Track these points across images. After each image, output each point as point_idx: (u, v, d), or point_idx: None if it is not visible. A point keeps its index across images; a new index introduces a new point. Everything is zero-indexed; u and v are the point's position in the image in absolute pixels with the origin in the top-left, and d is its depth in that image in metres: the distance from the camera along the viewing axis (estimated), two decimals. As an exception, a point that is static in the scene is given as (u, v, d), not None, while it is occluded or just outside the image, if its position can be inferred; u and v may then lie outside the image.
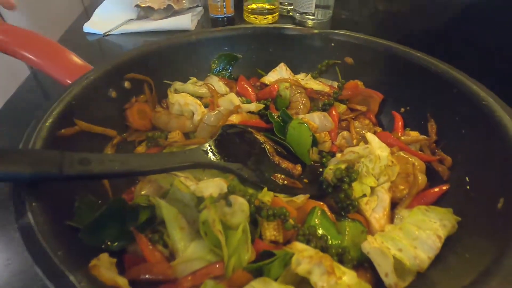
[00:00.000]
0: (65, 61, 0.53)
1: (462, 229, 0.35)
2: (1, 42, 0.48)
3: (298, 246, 0.33)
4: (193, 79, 0.65)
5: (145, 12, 1.06)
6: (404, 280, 0.32)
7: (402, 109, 0.56)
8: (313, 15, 1.02)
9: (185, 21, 1.01)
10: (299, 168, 0.47)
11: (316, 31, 0.64)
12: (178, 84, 0.63)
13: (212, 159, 0.43)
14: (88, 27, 1.00)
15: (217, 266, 0.32)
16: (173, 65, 0.63)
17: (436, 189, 0.42)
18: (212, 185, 0.36)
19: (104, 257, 0.30)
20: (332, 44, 0.63)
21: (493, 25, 0.65)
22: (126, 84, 0.55)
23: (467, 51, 0.72)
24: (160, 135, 0.54)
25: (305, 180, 0.47)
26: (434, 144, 0.48)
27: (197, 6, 1.13)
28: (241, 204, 0.34)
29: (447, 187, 0.42)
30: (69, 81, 0.49)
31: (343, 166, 0.43)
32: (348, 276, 0.30)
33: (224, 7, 1.01)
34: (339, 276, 0.29)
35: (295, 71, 0.66)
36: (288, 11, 1.13)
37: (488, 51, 0.68)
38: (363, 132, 0.53)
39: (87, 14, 1.15)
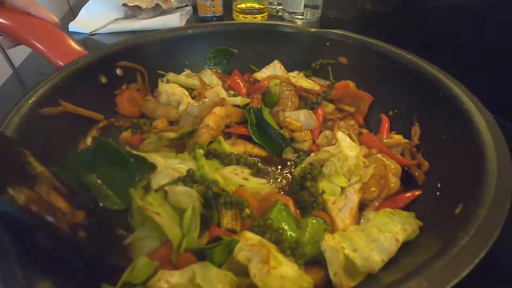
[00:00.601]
0: (62, 44, 0.57)
1: (423, 233, 0.35)
2: (7, 27, 0.53)
3: (247, 235, 0.34)
4: (187, 71, 0.68)
5: (133, 11, 1.06)
6: (354, 279, 0.33)
7: (391, 112, 0.57)
8: (302, 15, 1.04)
9: (174, 21, 1.01)
10: None
11: (312, 29, 0.64)
12: (171, 75, 0.65)
13: None
14: (73, 26, 1.00)
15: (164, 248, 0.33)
16: (169, 56, 0.65)
17: (408, 194, 0.42)
18: (163, 175, 0.38)
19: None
20: (328, 43, 0.63)
21: (485, 25, 0.66)
22: (118, 72, 0.58)
23: (455, 49, 0.73)
24: (145, 121, 0.56)
25: None
26: (415, 149, 0.49)
27: (186, 5, 1.14)
28: (184, 193, 0.36)
29: (419, 192, 0.42)
30: (62, 64, 0.52)
31: (309, 165, 0.44)
32: (285, 267, 0.30)
33: (213, 7, 1.01)
34: (274, 266, 0.29)
35: (290, 68, 0.67)
36: (277, 11, 1.14)
37: (479, 51, 0.69)
38: (343, 131, 0.53)
39: (72, 13, 1.14)
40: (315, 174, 0.43)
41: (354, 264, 0.32)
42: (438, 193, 0.40)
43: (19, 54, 0.86)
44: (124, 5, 1.04)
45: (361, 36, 0.59)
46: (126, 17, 1.07)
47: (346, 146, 0.44)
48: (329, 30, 0.62)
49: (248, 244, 0.32)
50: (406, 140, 0.50)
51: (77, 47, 0.57)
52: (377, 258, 0.32)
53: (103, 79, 0.54)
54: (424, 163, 0.45)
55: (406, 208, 0.41)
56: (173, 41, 0.63)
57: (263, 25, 0.69)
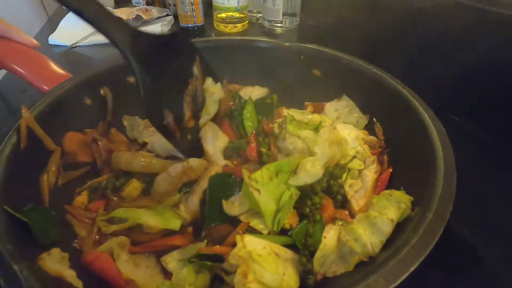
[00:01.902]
0: (45, 69, 0.60)
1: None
2: None
3: (246, 239, 0.38)
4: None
5: (114, 23, 1.08)
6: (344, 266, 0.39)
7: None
8: (281, 23, 1.08)
9: (155, 31, 1.04)
10: (192, 122, 0.48)
11: (287, 44, 0.69)
12: None
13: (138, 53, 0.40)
14: (54, 39, 1.02)
15: None
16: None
17: (385, 174, 0.49)
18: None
19: (55, 251, 0.36)
20: (302, 56, 0.68)
21: (456, 38, 0.71)
22: (102, 92, 0.59)
23: (421, 56, 0.79)
24: (107, 184, 0.49)
25: (189, 136, 0.48)
26: (383, 142, 0.55)
27: (167, 15, 1.17)
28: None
29: (391, 169, 0.49)
30: (47, 88, 0.55)
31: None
32: (267, 279, 0.36)
33: (194, 17, 1.05)
34: (251, 281, 0.35)
35: (266, 80, 0.71)
36: (257, 19, 1.18)
37: (446, 61, 0.74)
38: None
39: (51, 24, 1.15)
40: (338, 174, 0.47)
41: (354, 250, 0.38)
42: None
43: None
44: (105, 16, 1.07)
45: (332, 51, 0.64)
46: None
47: (345, 133, 0.51)
48: (303, 44, 0.67)
49: (237, 254, 0.37)
50: (373, 137, 0.56)
51: (60, 70, 0.60)
52: (376, 241, 0.38)
53: (88, 101, 0.57)
54: (385, 163, 0.51)
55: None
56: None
57: (241, 41, 0.72)
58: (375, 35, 0.91)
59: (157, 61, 0.44)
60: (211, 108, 0.52)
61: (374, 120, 0.58)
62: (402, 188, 0.45)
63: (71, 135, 0.53)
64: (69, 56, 0.99)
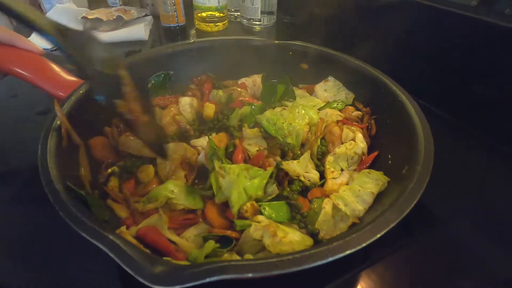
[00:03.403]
0: (57, 76, 0.62)
1: (387, 187, 0.51)
2: None
3: (259, 218, 0.46)
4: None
5: (93, 24, 1.09)
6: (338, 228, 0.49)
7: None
8: (259, 21, 1.18)
9: (139, 31, 1.08)
10: (145, 117, 0.51)
11: (276, 41, 0.79)
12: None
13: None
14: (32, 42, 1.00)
15: None
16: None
17: (370, 156, 0.60)
18: None
19: (124, 229, 0.43)
20: (291, 53, 0.78)
21: (432, 31, 0.79)
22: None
23: (393, 50, 0.92)
24: (135, 162, 0.58)
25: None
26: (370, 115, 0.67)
27: (146, 15, 1.20)
28: None
29: (377, 152, 0.60)
30: (63, 94, 0.57)
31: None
32: (291, 235, 0.43)
33: (176, 17, 1.10)
34: (283, 236, 0.42)
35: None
36: (236, 17, 1.26)
37: (416, 54, 0.86)
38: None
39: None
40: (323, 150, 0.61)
41: (345, 213, 0.48)
42: (389, 162, 0.57)
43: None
44: (84, 18, 1.08)
45: (318, 46, 0.75)
46: (85, 30, 1.10)
47: (360, 140, 0.61)
48: (292, 42, 0.77)
49: (261, 225, 0.44)
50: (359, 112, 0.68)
51: (70, 77, 0.62)
52: (361, 208, 0.48)
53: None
54: (373, 127, 0.65)
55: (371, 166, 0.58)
56: (156, 60, 0.73)
57: (234, 40, 0.80)
58: (344, 30, 1.05)
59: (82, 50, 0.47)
60: None
61: (356, 103, 0.71)
62: (389, 156, 0.58)
63: (95, 140, 0.58)
64: (50, 59, 0.99)
